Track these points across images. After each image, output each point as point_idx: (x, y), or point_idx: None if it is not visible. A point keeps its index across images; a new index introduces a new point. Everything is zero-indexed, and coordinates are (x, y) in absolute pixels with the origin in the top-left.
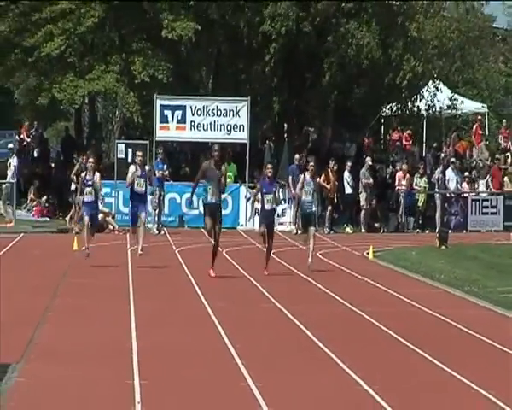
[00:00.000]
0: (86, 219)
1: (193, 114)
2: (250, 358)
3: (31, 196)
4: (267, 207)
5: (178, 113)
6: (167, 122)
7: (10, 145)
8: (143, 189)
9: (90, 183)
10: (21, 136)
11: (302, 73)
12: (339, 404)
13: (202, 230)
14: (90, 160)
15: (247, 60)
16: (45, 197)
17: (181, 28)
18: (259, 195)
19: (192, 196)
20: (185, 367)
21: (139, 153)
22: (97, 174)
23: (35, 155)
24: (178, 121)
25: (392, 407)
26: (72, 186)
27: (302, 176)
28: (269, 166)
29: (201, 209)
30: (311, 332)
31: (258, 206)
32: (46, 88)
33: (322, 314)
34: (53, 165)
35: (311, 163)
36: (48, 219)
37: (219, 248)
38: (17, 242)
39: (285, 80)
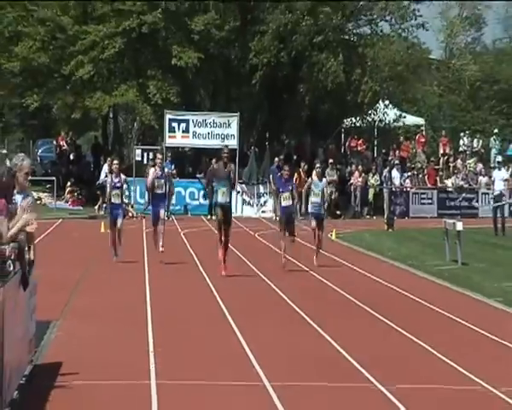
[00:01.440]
0: (119, 220)
1: (194, 126)
2: (233, 307)
3: (67, 189)
4: (284, 203)
5: (183, 125)
6: (174, 132)
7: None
8: (163, 190)
9: (118, 185)
10: (60, 143)
11: (280, 95)
12: (310, 357)
13: (202, 217)
14: (115, 162)
15: (237, 84)
16: (79, 191)
17: (187, 57)
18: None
19: (206, 190)
20: (189, 323)
21: (159, 155)
22: (122, 176)
23: (71, 158)
24: (183, 131)
25: (359, 361)
26: (100, 179)
27: (309, 179)
28: (286, 167)
29: (201, 200)
30: (290, 300)
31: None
32: (79, 105)
33: (302, 287)
34: (84, 165)
35: (318, 165)
36: (81, 208)
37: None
38: (57, 225)
39: (267, 100)
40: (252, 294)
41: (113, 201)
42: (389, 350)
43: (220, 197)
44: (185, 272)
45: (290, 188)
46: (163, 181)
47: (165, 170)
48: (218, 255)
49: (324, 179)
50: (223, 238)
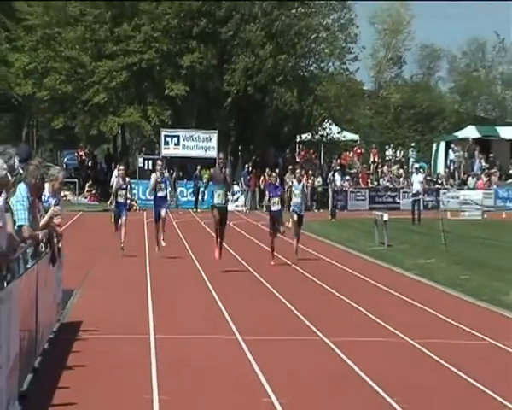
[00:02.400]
0: (123, 217)
1: (184, 140)
2: (213, 276)
3: (86, 189)
4: (274, 208)
5: (175, 139)
6: (168, 145)
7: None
8: (164, 192)
9: (124, 186)
10: (80, 153)
11: (250, 116)
12: (273, 317)
13: (190, 210)
14: (121, 168)
15: (215, 108)
16: (95, 190)
17: (177, 88)
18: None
19: (204, 192)
20: (179, 291)
21: (159, 162)
22: (127, 179)
23: (89, 164)
24: (175, 144)
25: (307, 316)
26: (112, 181)
27: (290, 182)
28: (273, 174)
29: (189, 197)
30: (259, 276)
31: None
32: (95, 124)
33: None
34: (99, 170)
35: (298, 171)
36: (97, 203)
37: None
38: (78, 217)
39: (239, 121)
40: (229, 268)
41: (118, 200)
42: (332, 311)
43: (217, 199)
44: (176, 251)
45: (279, 194)
46: (163, 185)
47: (165, 174)
48: (214, 255)
49: (302, 182)
50: (219, 239)
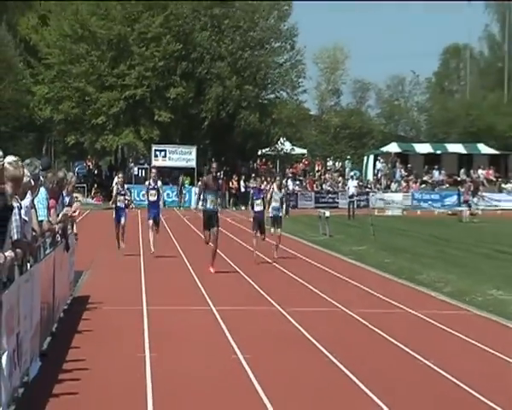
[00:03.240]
0: (122, 220)
1: (169, 154)
2: (191, 258)
3: (93, 192)
4: (257, 209)
5: (163, 153)
6: (158, 157)
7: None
8: (155, 198)
9: (122, 192)
10: (88, 164)
11: (221, 135)
12: (241, 293)
13: (174, 208)
14: (120, 175)
15: (194, 129)
16: (99, 193)
17: (164, 115)
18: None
19: (199, 199)
20: (167, 271)
21: (154, 170)
22: (125, 186)
23: (95, 172)
24: (163, 157)
25: (267, 291)
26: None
27: (271, 188)
28: (258, 180)
29: (174, 198)
30: (230, 261)
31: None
32: (99, 141)
33: (232, 248)
34: (103, 177)
35: (278, 177)
36: (101, 203)
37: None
38: (87, 214)
39: (213, 139)
40: (203, 252)
41: (118, 205)
42: (287, 287)
43: (209, 204)
44: (163, 241)
45: (262, 196)
46: (154, 191)
47: (159, 183)
48: (209, 269)
49: (283, 190)
50: (211, 243)
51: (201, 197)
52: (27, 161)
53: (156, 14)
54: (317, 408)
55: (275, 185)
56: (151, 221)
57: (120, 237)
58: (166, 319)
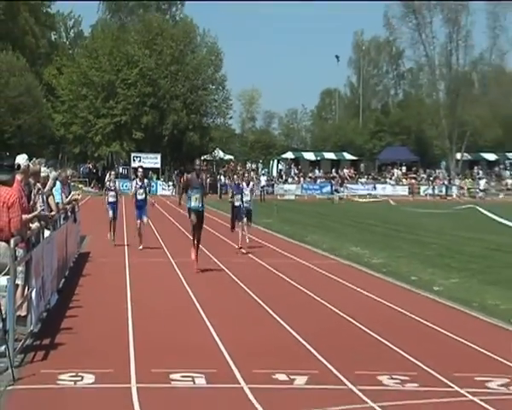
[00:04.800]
0: (110, 213)
1: (143, 158)
2: (167, 243)
3: (92, 184)
4: (236, 203)
5: (138, 158)
6: (135, 161)
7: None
8: (143, 196)
9: (112, 188)
10: (89, 166)
11: (177, 147)
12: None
13: (156, 204)
14: (112, 172)
15: (158, 143)
16: (98, 184)
17: (138, 134)
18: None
19: (182, 194)
20: (147, 250)
21: (140, 169)
22: (116, 182)
23: (94, 171)
24: (138, 161)
25: (223, 263)
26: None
27: (243, 185)
28: (235, 177)
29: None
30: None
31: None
32: (97, 151)
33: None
34: (99, 174)
35: (246, 175)
36: (98, 191)
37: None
38: (88, 199)
39: (171, 149)
40: (177, 235)
41: (109, 200)
42: (220, 247)
43: (193, 203)
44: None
45: (240, 192)
46: (142, 190)
47: (145, 181)
48: (190, 256)
49: (251, 183)
50: (195, 241)
51: (182, 195)
52: (35, 159)
53: (134, 67)
54: (241, 321)
55: (244, 182)
56: (139, 221)
57: (112, 230)
58: (142, 267)
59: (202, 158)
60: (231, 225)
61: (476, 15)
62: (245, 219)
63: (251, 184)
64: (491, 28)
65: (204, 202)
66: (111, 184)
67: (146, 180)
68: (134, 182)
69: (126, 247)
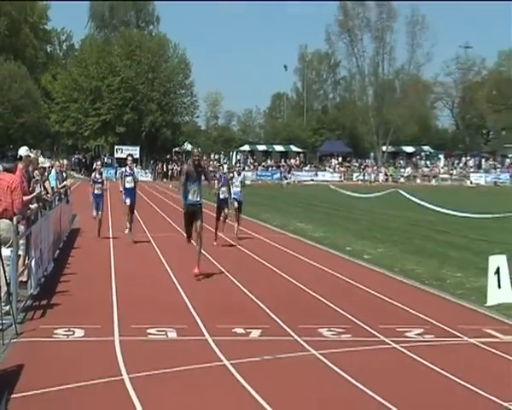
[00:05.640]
0: (94, 212)
1: (124, 150)
2: (151, 228)
3: (82, 171)
4: (222, 196)
5: (120, 149)
6: (117, 152)
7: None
8: (132, 184)
9: (100, 181)
10: (79, 156)
11: (153, 140)
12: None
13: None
14: (98, 163)
15: (137, 137)
16: (86, 172)
17: (121, 130)
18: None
19: (185, 193)
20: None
21: (130, 158)
22: (103, 173)
23: (83, 161)
24: (120, 152)
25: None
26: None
27: (231, 174)
28: (225, 166)
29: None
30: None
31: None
32: (85, 143)
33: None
34: (88, 163)
35: (238, 165)
36: (87, 177)
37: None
38: (78, 183)
39: (149, 142)
40: (152, 214)
41: (96, 192)
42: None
43: (191, 196)
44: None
45: (227, 183)
46: (131, 178)
47: (135, 169)
48: (193, 267)
49: (242, 174)
50: (196, 246)
51: (185, 189)
52: (33, 150)
53: (117, 75)
54: (207, 285)
55: (235, 172)
56: (128, 200)
57: (99, 227)
58: (124, 241)
59: (174, 150)
60: (216, 216)
61: (398, 34)
62: (228, 211)
63: (242, 174)
64: (410, 45)
65: (202, 196)
66: (97, 176)
67: (135, 169)
68: (122, 169)
69: (110, 223)
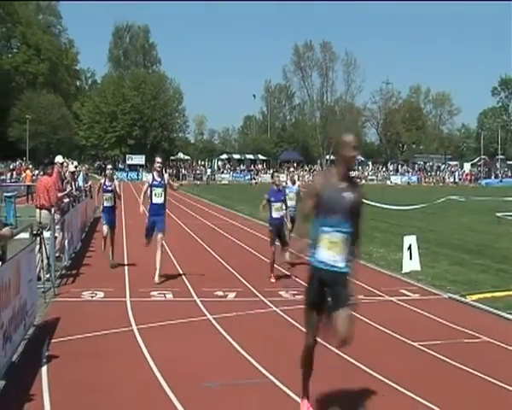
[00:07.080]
0: (104, 229)
1: (134, 158)
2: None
3: (102, 174)
4: (275, 215)
5: (131, 157)
6: (129, 160)
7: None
8: (162, 199)
9: (109, 188)
10: (100, 163)
11: (155, 151)
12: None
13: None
14: (109, 167)
15: (143, 148)
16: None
17: (131, 142)
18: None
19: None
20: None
21: (159, 159)
22: (116, 180)
23: (102, 166)
24: (131, 160)
25: (187, 226)
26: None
27: (284, 183)
28: (276, 174)
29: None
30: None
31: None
32: (105, 153)
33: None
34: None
35: (292, 169)
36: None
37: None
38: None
39: (152, 152)
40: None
41: (105, 204)
42: (194, 223)
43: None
44: (126, 204)
45: (282, 198)
46: (161, 190)
47: (165, 176)
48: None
49: (297, 183)
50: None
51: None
52: (66, 158)
53: (127, 102)
54: (195, 258)
55: (288, 179)
56: (154, 236)
57: (109, 248)
58: (135, 224)
59: (170, 158)
60: (270, 243)
61: (339, 71)
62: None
63: (297, 182)
64: (346, 80)
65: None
66: (107, 183)
67: (166, 176)
68: (149, 176)
69: (124, 217)
